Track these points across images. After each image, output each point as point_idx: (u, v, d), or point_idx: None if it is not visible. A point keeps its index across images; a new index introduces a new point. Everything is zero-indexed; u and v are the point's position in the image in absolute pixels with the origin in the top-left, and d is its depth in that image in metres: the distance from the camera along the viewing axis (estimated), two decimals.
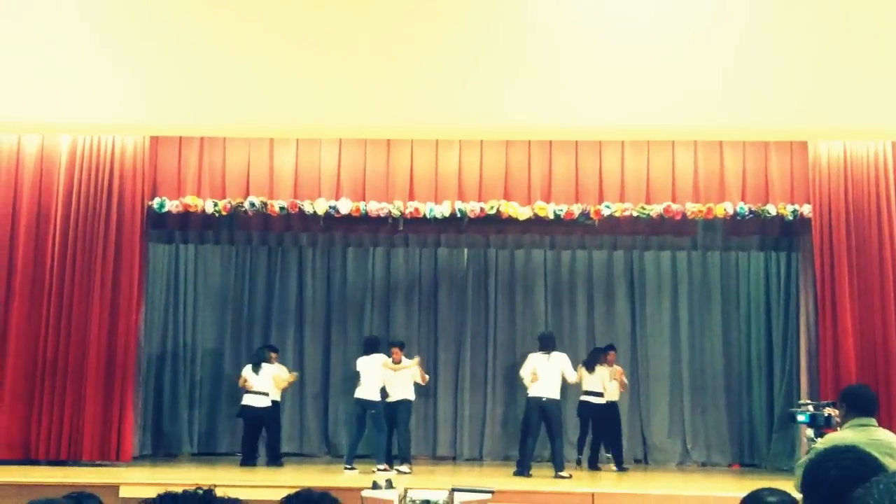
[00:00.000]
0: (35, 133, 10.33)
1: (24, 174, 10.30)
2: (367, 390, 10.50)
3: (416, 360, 10.73)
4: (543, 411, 10.07)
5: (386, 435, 10.43)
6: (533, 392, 10.16)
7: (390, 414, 10.55)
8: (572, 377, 10.30)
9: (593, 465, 10.89)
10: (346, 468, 10.16)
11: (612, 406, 11.05)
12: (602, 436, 11.03)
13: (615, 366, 11.14)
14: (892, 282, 9.83)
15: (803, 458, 4.63)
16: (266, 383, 10.89)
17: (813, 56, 8.85)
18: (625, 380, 11.16)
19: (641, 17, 9.08)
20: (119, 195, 10.27)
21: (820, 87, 9.02)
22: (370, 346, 10.77)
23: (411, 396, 10.70)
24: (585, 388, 11.00)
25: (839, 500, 1.33)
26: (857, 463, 2.24)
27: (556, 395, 10.10)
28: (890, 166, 10.06)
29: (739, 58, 8.93)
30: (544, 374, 10.10)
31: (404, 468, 10.17)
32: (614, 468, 10.79)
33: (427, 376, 10.82)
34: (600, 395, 10.98)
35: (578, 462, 11.05)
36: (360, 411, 10.54)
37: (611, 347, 11.37)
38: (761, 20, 8.93)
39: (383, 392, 10.64)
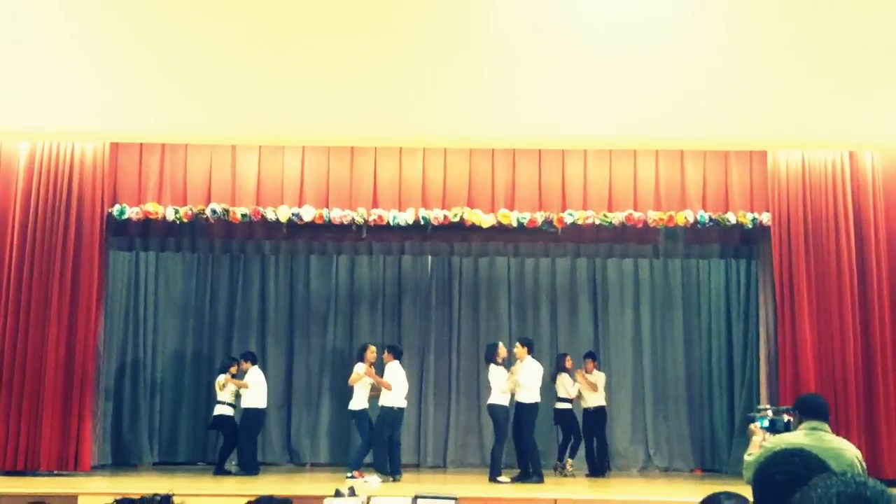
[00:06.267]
0: None
1: None
2: (352, 400, 10.60)
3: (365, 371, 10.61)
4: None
5: (364, 444, 10.41)
6: None
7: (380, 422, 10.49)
8: (499, 386, 10.29)
9: (593, 472, 10.95)
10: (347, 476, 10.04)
11: (589, 412, 11.14)
12: (572, 440, 11.15)
13: (591, 371, 11.25)
14: (849, 289, 9.98)
15: (753, 455, 4.70)
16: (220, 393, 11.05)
17: (772, 68, 8.96)
18: (587, 379, 11.19)
19: (605, 28, 9.13)
20: (78, 202, 10.16)
21: (779, 99, 9.15)
22: (358, 354, 10.82)
23: (389, 403, 10.39)
24: (557, 394, 11.26)
25: (785, 502, 1.34)
26: (802, 467, 2.28)
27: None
28: (847, 175, 10.23)
29: (701, 69, 9.02)
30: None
31: (373, 477, 10.07)
32: (582, 471, 10.91)
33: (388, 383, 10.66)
34: (566, 401, 11.17)
35: (554, 468, 11.09)
36: (352, 422, 10.71)
37: (563, 355, 11.52)
38: (724, 33, 9.03)
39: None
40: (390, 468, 10.18)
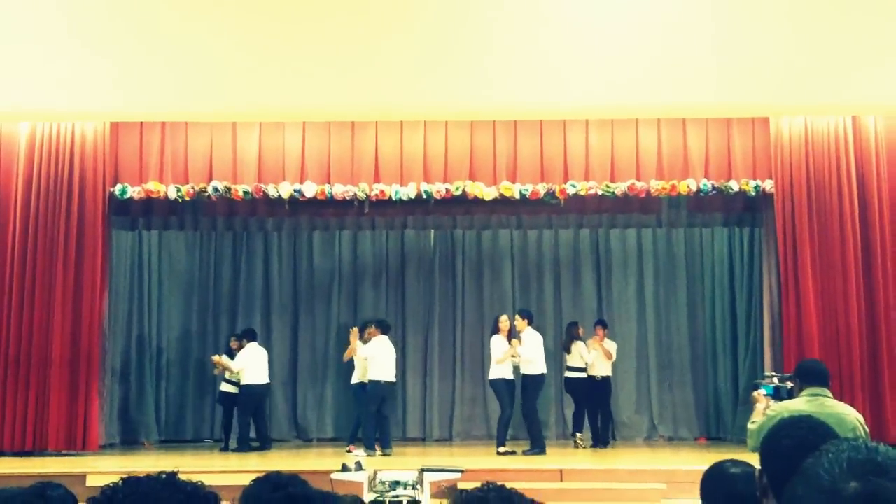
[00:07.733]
0: None
1: None
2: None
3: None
4: None
5: (355, 418, 10.60)
6: None
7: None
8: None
9: (597, 442, 10.94)
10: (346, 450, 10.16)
11: (597, 381, 11.11)
12: (585, 410, 11.13)
13: (603, 339, 11.24)
14: (852, 255, 9.96)
15: (757, 423, 4.71)
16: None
17: (774, 34, 8.90)
18: (603, 346, 11.18)
19: None
20: (80, 182, 10.14)
21: (781, 65, 9.09)
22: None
23: (376, 377, 10.35)
24: (567, 364, 11.23)
25: (793, 469, 1.34)
26: (810, 432, 2.28)
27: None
28: (850, 141, 10.17)
29: (702, 36, 8.97)
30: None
31: (359, 451, 10.01)
32: (589, 443, 10.92)
33: (353, 351, 10.54)
34: (580, 370, 11.10)
35: (572, 437, 11.14)
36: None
37: (574, 323, 11.48)
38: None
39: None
40: (381, 443, 10.20)
